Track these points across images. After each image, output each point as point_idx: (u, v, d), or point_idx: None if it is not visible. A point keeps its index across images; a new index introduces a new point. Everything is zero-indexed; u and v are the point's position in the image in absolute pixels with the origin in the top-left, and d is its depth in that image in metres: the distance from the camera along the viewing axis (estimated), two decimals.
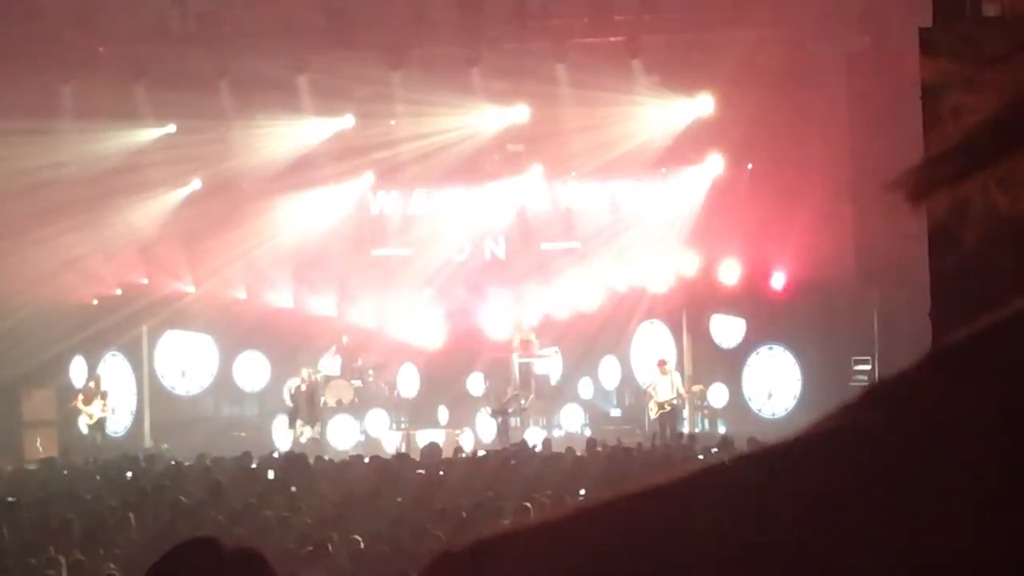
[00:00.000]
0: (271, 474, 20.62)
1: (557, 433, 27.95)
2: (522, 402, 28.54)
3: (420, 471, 20.25)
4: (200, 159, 30.37)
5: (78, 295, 30.31)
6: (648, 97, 28.88)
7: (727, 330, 29.09)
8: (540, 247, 30.95)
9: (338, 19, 28.56)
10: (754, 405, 28.79)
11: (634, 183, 30.31)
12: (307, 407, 28.87)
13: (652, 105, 29.00)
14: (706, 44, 27.57)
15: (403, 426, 29.33)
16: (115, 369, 30.61)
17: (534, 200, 30.80)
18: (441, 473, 20.09)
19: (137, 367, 30.92)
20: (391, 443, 27.94)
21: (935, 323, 7.23)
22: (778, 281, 28.56)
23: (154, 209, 30.81)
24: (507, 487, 17.87)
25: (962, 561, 0.75)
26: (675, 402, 27.07)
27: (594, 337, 29.46)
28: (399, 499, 17.16)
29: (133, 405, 30.78)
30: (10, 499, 17.80)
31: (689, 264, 29.39)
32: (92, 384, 29.24)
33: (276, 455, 24.11)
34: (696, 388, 28.64)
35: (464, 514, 15.07)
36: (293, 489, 18.41)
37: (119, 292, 30.84)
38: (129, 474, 22.30)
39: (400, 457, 22.76)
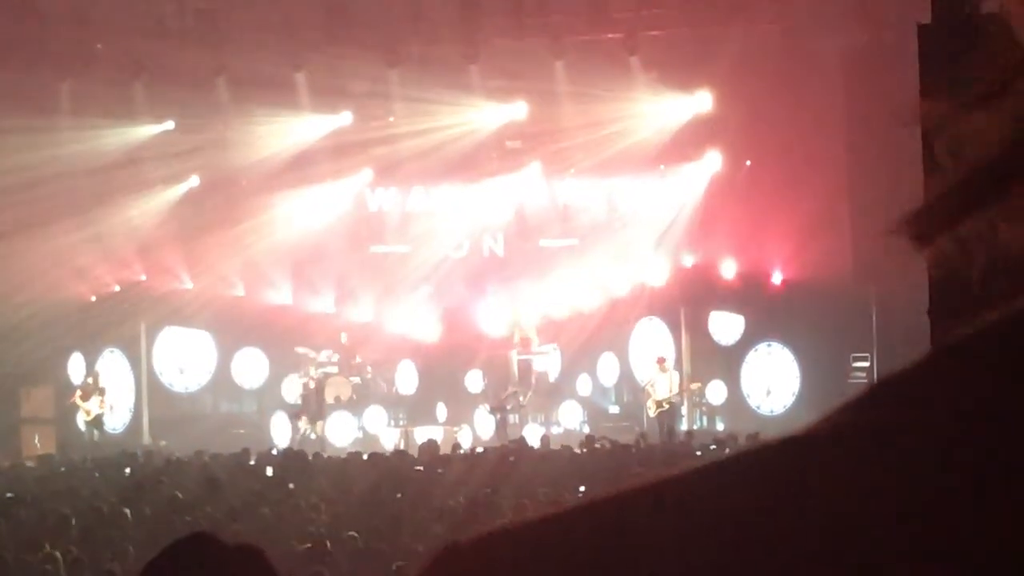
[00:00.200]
0: (269, 471, 20.65)
1: (555, 430, 27.94)
2: (520, 399, 28.54)
3: (418, 468, 20.27)
4: (198, 156, 30.36)
5: (76, 292, 30.30)
6: (646, 94, 28.85)
7: (726, 327, 29.05)
8: (539, 244, 30.92)
9: (336, 16, 28.55)
10: (753, 402, 28.76)
11: (632, 180, 30.30)
12: (316, 404, 28.87)
13: (650, 102, 28.97)
14: (704, 41, 27.54)
15: (401, 423, 29.32)
16: (113, 366, 30.60)
17: (532, 197, 30.77)
18: (439, 470, 20.09)
19: (135, 364, 30.90)
20: (389, 440, 27.94)
21: (934, 320, 7.23)
22: (777, 278, 28.56)
23: (152, 206, 30.78)
24: (505, 484, 17.86)
25: (962, 561, 0.75)
26: (673, 399, 27.08)
27: (592, 334, 29.45)
28: (398, 496, 17.18)
29: (131, 402, 30.76)
30: (8, 495, 17.83)
31: (688, 261, 29.40)
32: (90, 381, 29.25)
33: (274, 452, 24.14)
34: (695, 385, 28.60)
35: (462, 511, 15.08)
36: (291, 486, 18.43)
37: (117, 289, 30.81)
38: (127, 471, 22.32)
39: (398, 454, 22.79)
